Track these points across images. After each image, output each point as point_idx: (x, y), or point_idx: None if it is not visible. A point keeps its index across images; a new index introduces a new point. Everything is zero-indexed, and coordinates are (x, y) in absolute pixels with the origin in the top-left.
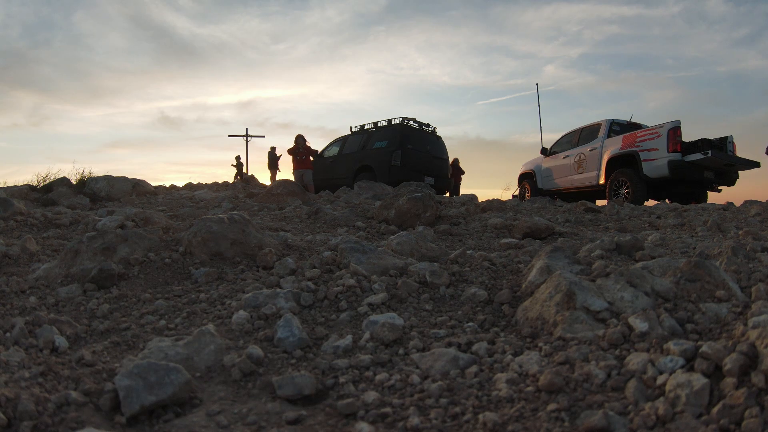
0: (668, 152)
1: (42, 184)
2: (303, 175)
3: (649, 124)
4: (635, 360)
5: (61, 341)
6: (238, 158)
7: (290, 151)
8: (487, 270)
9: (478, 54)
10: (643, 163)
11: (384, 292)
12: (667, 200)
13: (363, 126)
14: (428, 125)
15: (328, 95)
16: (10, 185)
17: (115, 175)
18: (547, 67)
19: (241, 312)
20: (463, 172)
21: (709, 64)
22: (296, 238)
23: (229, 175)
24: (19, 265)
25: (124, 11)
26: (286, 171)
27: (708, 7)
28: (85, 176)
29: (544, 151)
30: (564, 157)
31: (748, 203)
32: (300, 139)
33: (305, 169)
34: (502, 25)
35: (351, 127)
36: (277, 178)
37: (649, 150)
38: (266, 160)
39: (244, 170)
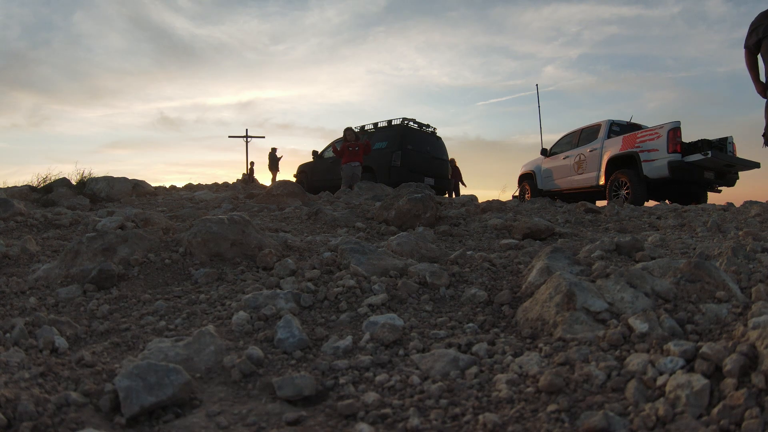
0: (668, 153)
1: (42, 185)
2: (354, 169)
3: (649, 125)
4: (635, 361)
5: (61, 342)
6: (251, 164)
7: (341, 147)
8: (487, 271)
9: (478, 54)
10: (643, 163)
11: (384, 292)
12: (667, 201)
13: (363, 127)
14: (428, 126)
15: (328, 96)
16: (10, 186)
17: (115, 175)
18: (547, 67)
19: (241, 313)
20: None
21: (709, 65)
22: (296, 238)
23: (228, 177)
24: (19, 265)
25: (124, 12)
26: (287, 172)
27: (708, 8)
28: (85, 177)
29: (544, 152)
30: (564, 158)
31: (748, 204)
32: (350, 133)
33: (357, 162)
34: (502, 26)
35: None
36: (277, 179)
37: (649, 151)
38: (266, 161)
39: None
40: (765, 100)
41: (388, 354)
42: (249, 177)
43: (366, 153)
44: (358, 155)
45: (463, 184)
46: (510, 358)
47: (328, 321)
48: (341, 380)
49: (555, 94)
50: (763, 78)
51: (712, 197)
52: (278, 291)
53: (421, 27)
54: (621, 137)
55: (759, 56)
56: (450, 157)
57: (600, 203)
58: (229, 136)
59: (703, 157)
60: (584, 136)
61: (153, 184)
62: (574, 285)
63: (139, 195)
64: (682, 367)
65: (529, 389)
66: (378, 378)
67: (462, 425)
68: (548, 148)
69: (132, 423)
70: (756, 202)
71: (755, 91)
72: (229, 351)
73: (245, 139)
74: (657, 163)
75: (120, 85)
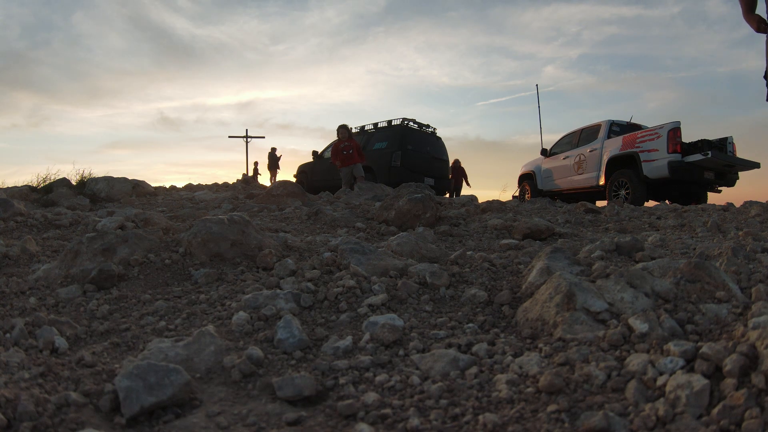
0: (668, 153)
1: (42, 185)
2: (353, 169)
3: (649, 125)
4: (635, 361)
5: (61, 342)
6: (255, 164)
7: (334, 148)
8: (487, 271)
9: (478, 55)
10: (643, 163)
11: (384, 293)
12: (667, 201)
13: (363, 127)
14: (428, 126)
15: (328, 96)
16: (9, 186)
17: (115, 175)
18: (547, 67)
19: (241, 313)
20: (464, 173)
21: (709, 65)
22: (296, 239)
23: (228, 177)
24: (19, 265)
25: (123, 12)
26: (287, 172)
27: (708, 8)
28: (85, 177)
29: (544, 152)
30: (564, 158)
31: (748, 204)
32: (343, 131)
33: (354, 164)
34: (502, 26)
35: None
36: (277, 179)
37: (649, 151)
38: (266, 161)
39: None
40: (766, 37)
41: (388, 354)
42: (253, 176)
43: (360, 155)
44: (353, 158)
45: (468, 184)
46: (510, 358)
47: (328, 321)
48: (341, 380)
49: (555, 94)
50: (763, 12)
51: (712, 197)
52: (278, 291)
53: (421, 27)
54: (621, 137)
55: None
56: (453, 158)
57: (600, 203)
58: (229, 137)
59: (703, 157)
60: (584, 136)
61: (153, 185)
62: (574, 285)
63: (139, 195)
64: (682, 368)
65: (529, 389)
66: (378, 378)
67: (462, 425)
68: (548, 148)
69: (132, 423)
70: (756, 202)
71: (751, 29)
72: (229, 351)
73: (245, 139)
74: (657, 163)
75: (120, 85)
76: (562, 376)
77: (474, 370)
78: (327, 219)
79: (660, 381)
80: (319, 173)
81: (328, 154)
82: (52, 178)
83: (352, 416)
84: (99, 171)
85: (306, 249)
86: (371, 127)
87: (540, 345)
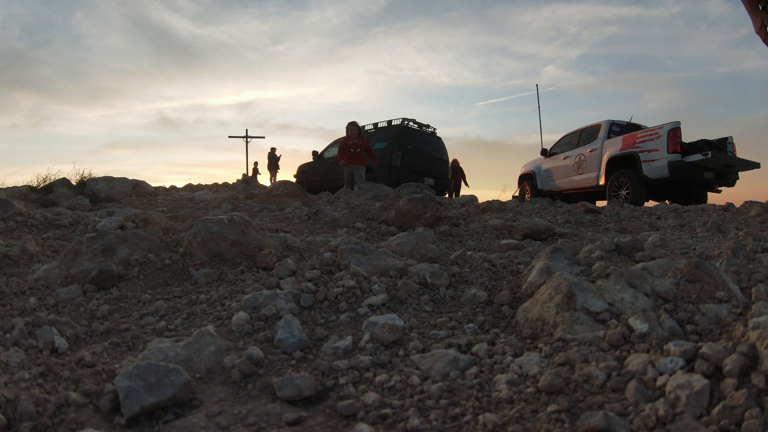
0: (668, 153)
1: (42, 185)
2: (355, 171)
3: (649, 125)
4: (635, 361)
5: (61, 342)
6: (255, 164)
7: (341, 145)
8: (487, 271)
9: (478, 55)
10: (643, 163)
11: (384, 293)
12: (667, 201)
13: (363, 127)
14: (428, 126)
15: (328, 96)
16: (10, 186)
17: (115, 176)
18: (547, 67)
19: (241, 313)
20: (463, 174)
21: (709, 65)
22: (296, 239)
23: (228, 177)
24: (19, 265)
25: (123, 12)
26: (287, 172)
27: (708, 8)
28: (85, 177)
29: (544, 152)
30: (564, 158)
31: (748, 204)
32: (353, 128)
33: (358, 165)
34: (502, 26)
35: None
36: (277, 179)
37: (649, 151)
38: (266, 161)
39: (258, 173)
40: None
41: (388, 354)
42: (253, 176)
43: (370, 155)
44: (359, 157)
45: (467, 184)
46: (510, 358)
47: (328, 321)
48: (341, 380)
49: (555, 94)
50: None
51: (712, 197)
52: (278, 291)
53: (421, 27)
54: (621, 137)
55: None
56: (452, 158)
57: (600, 203)
58: (229, 137)
59: (703, 157)
60: (584, 136)
61: (153, 185)
62: (574, 285)
63: (139, 195)
64: (682, 368)
65: (529, 389)
66: (378, 378)
67: (462, 425)
68: (548, 148)
69: (132, 423)
70: (756, 202)
71: (752, 28)
72: (229, 351)
73: (245, 139)
74: (657, 163)
75: (120, 85)
76: (562, 376)
77: (474, 370)
78: (327, 219)
79: (660, 381)
80: (319, 173)
81: (328, 154)
82: (52, 178)
83: (352, 416)
84: (99, 171)
85: (306, 249)
86: (371, 127)
87: (540, 345)
